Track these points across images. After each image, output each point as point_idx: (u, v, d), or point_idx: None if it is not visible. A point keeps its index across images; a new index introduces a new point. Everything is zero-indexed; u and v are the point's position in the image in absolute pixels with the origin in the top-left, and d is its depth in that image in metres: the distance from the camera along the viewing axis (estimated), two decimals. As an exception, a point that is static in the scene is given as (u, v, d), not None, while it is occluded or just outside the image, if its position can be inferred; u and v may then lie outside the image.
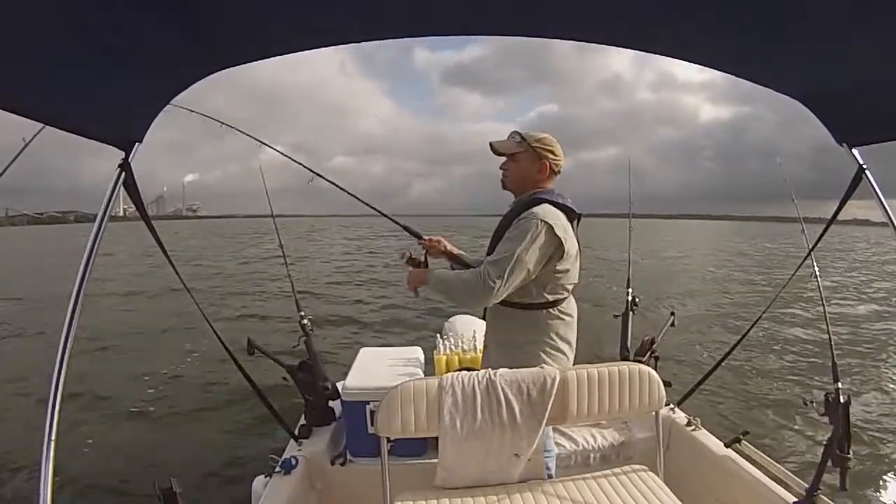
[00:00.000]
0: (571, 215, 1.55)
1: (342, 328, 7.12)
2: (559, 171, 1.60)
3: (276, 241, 2.83)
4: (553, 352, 1.52)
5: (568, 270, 1.51)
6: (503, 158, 1.62)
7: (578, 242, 1.56)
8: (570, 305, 1.58)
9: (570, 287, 1.56)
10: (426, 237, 1.76)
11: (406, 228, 1.87)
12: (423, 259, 1.71)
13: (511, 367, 1.41)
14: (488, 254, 1.54)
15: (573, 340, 1.59)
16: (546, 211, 1.46)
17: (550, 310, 1.52)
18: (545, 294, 1.50)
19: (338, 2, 1.03)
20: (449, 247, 1.74)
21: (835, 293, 10.83)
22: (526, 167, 1.57)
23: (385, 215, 2.07)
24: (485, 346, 1.70)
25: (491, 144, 1.61)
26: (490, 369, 1.41)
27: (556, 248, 1.45)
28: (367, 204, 2.10)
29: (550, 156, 1.56)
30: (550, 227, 1.42)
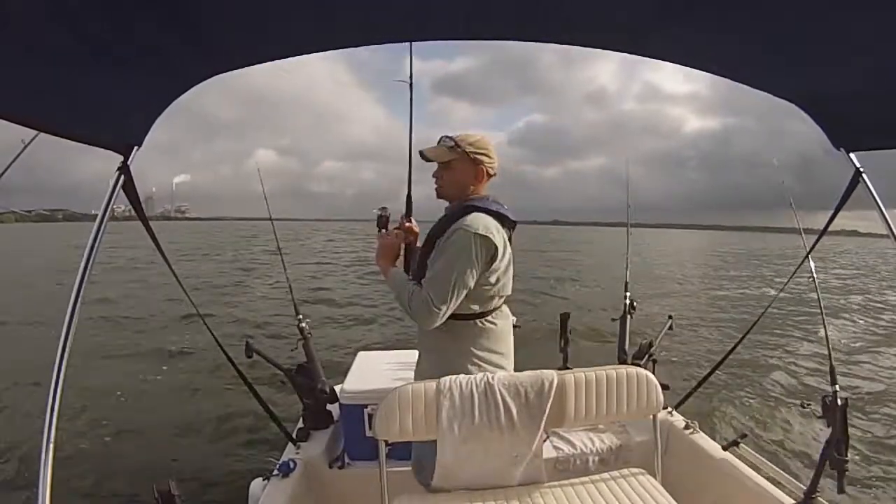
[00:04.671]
0: (506, 222, 1.47)
1: (340, 330, 7.11)
2: (494, 174, 1.51)
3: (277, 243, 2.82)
4: (481, 363, 1.45)
5: (498, 280, 1.44)
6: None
7: (510, 249, 1.49)
8: (501, 315, 1.51)
9: (501, 297, 1.48)
10: (410, 223, 1.65)
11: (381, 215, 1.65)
12: (386, 227, 1.60)
13: (440, 377, 1.38)
14: (422, 259, 1.47)
15: (506, 350, 1.52)
16: (477, 221, 1.37)
17: (478, 321, 1.45)
18: (472, 305, 1.42)
19: (338, 6, 1.04)
20: (417, 243, 1.62)
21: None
22: (460, 175, 1.47)
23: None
24: (418, 355, 1.61)
25: (421, 152, 1.50)
26: (489, 374, 1.41)
27: (489, 260, 1.39)
28: None
29: (486, 160, 1.47)
30: (484, 238, 1.35)
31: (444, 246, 1.38)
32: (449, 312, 1.36)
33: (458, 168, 1.47)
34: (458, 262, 1.34)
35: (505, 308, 1.53)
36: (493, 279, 1.42)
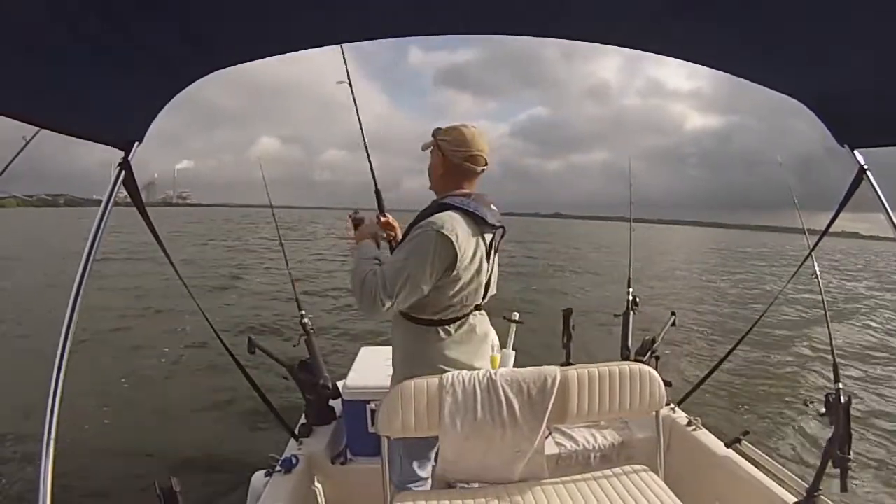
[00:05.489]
0: (486, 226, 1.36)
1: (342, 327, 7.13)
2: (479, 166, 1.39)
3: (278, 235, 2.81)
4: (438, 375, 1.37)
5: (462, 290, 1.34)
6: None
7: (488, 253, 1.39)
8: (468, 325, 1.41)
9: (465, 306, 1.38)
10: (386, 217, 1.58)
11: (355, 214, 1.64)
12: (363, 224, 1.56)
13: (403, 380, 1.35)
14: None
15: (469, 363, 1.42)
16: (444, 221, 1.27)
17: (439, 328, 1.37)
18: (430, 310, 1.35)
19: (338, 2, 1.03)
20: (399, 237, 1.54)
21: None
22: (433, 163, 1.43)
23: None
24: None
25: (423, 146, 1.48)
26: (491, 370, 1.40)
27: (448, 264, 1.28)
28: None
29: (448, 147, 1.36)
30: (445, 240, 1.25)
31: (406, 240, 1.33)
32: (394, 309, 1.28)
33: (432, 157, 1.44)
34: (414, 259, 1.26)
35: (474, 318, 1.43)
36: (455, 287, 1.32)
